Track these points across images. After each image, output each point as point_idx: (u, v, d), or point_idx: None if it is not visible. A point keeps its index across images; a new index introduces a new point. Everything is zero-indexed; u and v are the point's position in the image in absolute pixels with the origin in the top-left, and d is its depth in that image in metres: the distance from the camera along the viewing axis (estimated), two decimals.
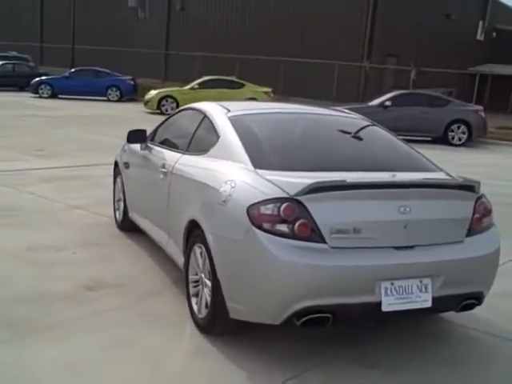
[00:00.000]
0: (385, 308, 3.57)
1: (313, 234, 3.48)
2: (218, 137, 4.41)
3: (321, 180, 3.50)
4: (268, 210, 3.50)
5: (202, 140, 4.68)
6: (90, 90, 26.87)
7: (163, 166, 4.98)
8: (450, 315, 4.44)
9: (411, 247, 3.67)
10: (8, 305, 4.38)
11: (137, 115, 21.14)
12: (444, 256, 3.73)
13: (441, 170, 4.37)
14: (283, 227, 3.48)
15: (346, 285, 3.50)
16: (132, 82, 28.17)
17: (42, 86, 26.72)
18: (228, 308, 3.75)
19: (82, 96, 26.43)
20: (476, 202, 3.93)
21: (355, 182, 3.57)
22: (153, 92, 23.41)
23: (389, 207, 3.61)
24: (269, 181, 3.66)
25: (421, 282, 3.68)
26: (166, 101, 22.66)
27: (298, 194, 3.49)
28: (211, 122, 4.64)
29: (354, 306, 3.55)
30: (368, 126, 4.80)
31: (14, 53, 34.28)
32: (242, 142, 4.15)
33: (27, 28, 42.05)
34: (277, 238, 3.47)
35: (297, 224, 3.46)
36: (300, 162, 3.98)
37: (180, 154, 4.85)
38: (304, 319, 3.51)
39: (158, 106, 22.55)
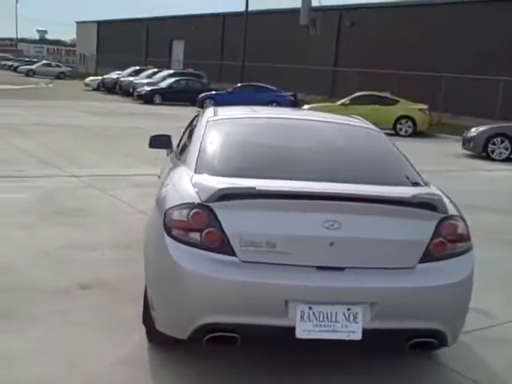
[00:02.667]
0: (300, 335, 3.18)
1: (222, 244, 3.21)
2: (190, 142, 4.26)
3: (228, 186, 3.22)
4: (179, 215, 3.30)
5: (185, 146, 4.55)
6: (250, 105, 27.61)
7: (160, 174, 4.94)
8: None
9: (340, 269, 3.22)
10: None
11: None
12: (382, 282, 3.23)
13: (426, 185, 3.80)
14: (192, 235, 3.25)
15: (255, 304, 3.17)
16: (292, 98, 28.56)
17: (207, 101, 28.06)
18: (152, 317, 3.57)
19: None
20: (439, 223, 3.35)
21: (268, 191, 3.23)
22: (303, 107, 23.46)
23: (311, 221, 3.21)
24: (193, 185, 3.44)
25: (349, 309, 3.22)
26: None
27: (208, 201, 3.24)
28: (195, 127, 4.50)
29: (263, 328, 3.20)
30: (365, 135, 4.34)
31: (190, 70, 36.56)
32: (201, 147, 3.96)
33: (211, 47, 44.70)
34: (184, 246, 3.26)
35: (204, 232, 3.21)
36: (249, 169, 3.69)
37: (172, 162, 4.72)
38: (209, 336, 3.24)
39: None
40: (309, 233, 3.22)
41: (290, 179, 3.49)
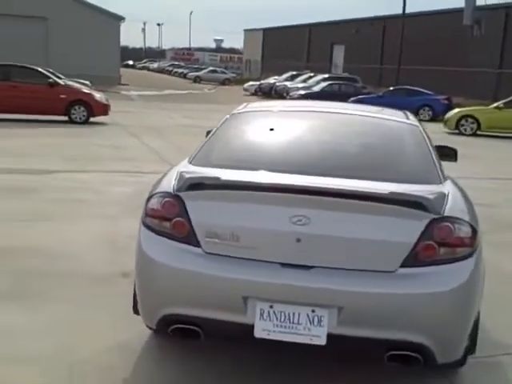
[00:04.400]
0: (258, 334, 3.01)
1: (189, 235, 3.14)
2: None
3: (195, 176, 3.13)
4: (153, 204, 3.29)
5: None
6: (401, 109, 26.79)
7: None
8: None
9: (306, 267, 2.99)
10: (42, 276, 4.87)
11: (433, 135, 20.35)
12: (352, 286, 2.95)
13: (441, 184, 3.42)
14: (163, 224, 3.21)
15: (214, 298, 3.05)
16: (446, 102, 27.24)
17: None
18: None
19: None
20: (430, 224, 2.99)
21: (233, 181, 3.09)
22: (453, 111, 22.28)
23: (277, 215, 3.02)
24: (176, 175, 3.40)
25: (313, 311, 2.98)
26: (466, 120, 21.26)
27: (179, 190, 3.18)
28: None
29: (223, 323, 3.07)
30: (395, 130, 4.01)
31: (345, 74, 36.31)
32: (209, 139, 3.91)
33: (371, 51, 44.15)
34: (154, 235, 3.24)
35: (173, 222, 3.16)
36: (241, 160, 3.57)
37: None
38: (172, 327, 3.18)
39: (457, 126, 21.34)
40: (274, 227, 3.03)
41: (279, 172, 3.31)
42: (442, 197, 3.18)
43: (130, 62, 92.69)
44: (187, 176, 3.18)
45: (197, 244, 3.11)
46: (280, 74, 43.08)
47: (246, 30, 75.25)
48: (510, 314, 4.58)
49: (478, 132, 20.83)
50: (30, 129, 15.25)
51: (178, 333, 3.20)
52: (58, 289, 4.63)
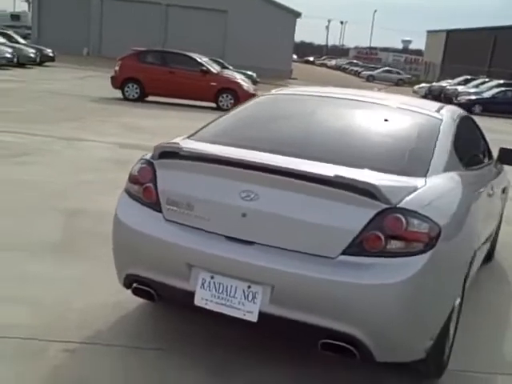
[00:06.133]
0: (197, 302, 3.08)
1: (155, 201, 3.29)
2: None
3: (164, 145, 3.27)
4: (133, 169, 3.47)
5: None
6: None
7: None
8: None
9: (249, 243, 3.01)
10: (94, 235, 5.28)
11: None
12: (286, 266, 2.90)
13: (425, 176, 3.23)
14: (136, 189, 3.39)
15: (164, 263, 3.18)
16: None
17: None
18: None
19: None
20: (379, 214, 2.86)
21: (192, 152, 3.18)
22: None
23: (228, 189, 3.07)
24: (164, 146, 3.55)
25: (249, 287, 2.99)
26: None
27: (153, 158, 3.35)
28: None
29: (171, 288, 3.18)
30: (404, 119, 3.89)
31: None
32: (221, 117, 4.05)
33: None
34: (129, 198, 3.42)
35: (143, 187, 3.33)
36: (235, 138, 3.63)
37: None
38: (133, 287, 3.36)
39: None
40: (223, 200, 3.07)
41: (253, 150, 3.34)
42: (406, 188, 3.00)
43: (311, 59, 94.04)
44: (160, 145, 3.32)
45: (159, 210, 3.25)
46: (459, 77, 41.24)
47: (428, 32, 72.90)
48: None
49: None
50: (174, 111, 16.20)
51: (137, 292, 3.37)
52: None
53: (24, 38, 40.79)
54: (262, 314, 2.95)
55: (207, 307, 3.06)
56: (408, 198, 2.95)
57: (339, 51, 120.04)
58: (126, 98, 17.42)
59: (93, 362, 3.29)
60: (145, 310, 3.96)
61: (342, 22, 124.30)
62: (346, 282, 2.83)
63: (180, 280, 3.13)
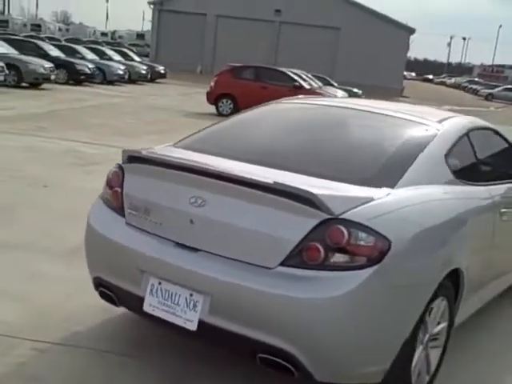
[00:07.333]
0: (146, 307, 3.07)
1: (120, 205, 3.33)
2: None
3: (131, 150, 3.30)
4: (108, 174, 3.52)
5: None
6: None
7: None
8: None
9: (194, 250, 2.95)
10: None
11: None
12: (224, 275, 2.82)
13: (392, 187, 3.03)
14: (107, 192, 3.45)
15: (121, 267, 3.20)
16: None
17: None
18: None
19: None
20: (320, 224, 2.71)
21: (149, 156, 3.18)
22: None
23: (180, 194, 3.04)
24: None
25: (191, 295, 2.93)
26: None
27: (123, 162, 3.39)
28: None
29: (127, 293, 3.19)
30: (396, 130, 3.66)
31: None
32: (213, 126, 4.07)
33: None
34: (101, 202, 3.48)
35: (112, 191, 3.38)
36: (214, 146, 3.60)
37: None
38: (99, 291, 3.40)
39: None
40: (174, 206, 3.04)
41: (225, 157, 3.30)
42: (356, 199, 2.81)
43: (430, 77, 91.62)
44: (127, 150, 3.35)
45: (123, 215, 3.27)
46: None
47: None
48: None
49: None
50: None
51: (103, 296, 3.40)
52: None
53: (145, 55, 43.04)
54: (201, 324, 2.88)
55: (154, 314, 3.04)
56: (356, 210, 2.77)
57: (462, 69, 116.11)
58: (219, 114, 17.76)
59: (53, 362, 3.34)
60: (132, 316, 3.97)
61: (464, 38, 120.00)
62: (281, 295, 2.70)
63: (134, 285, 3.12)
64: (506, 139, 4.53)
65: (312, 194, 2.69)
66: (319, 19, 41.65)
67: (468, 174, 3.72)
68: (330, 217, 2.71)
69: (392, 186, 3.06)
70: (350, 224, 2.71)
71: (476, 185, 3.73)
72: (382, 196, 2.93)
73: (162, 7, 45.25)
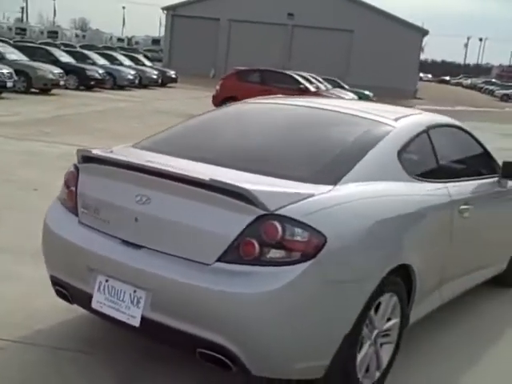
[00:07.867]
0: (94, 304, 3.12)
1: (75, 205, 3.38)
2: None
3: (85, 150, 3.35)
4: (65, 175, 3.57)
5: None
6: None
7: None
8: None
9: (138, 247, 3.00)
10: None
11: None
12: (163, 271, 2.87)
13: (334, 184, 3.05)
14: (64, 191, 3.51)
15: (71, 265, 3.27)
16: None
17: None
18: None
19: None
20: (256, 220, 2.75)
21: (99, 155, 3.23)
22: None
23: (126, 193, 3.08)
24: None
25: (135, 291, 2.98)
26: None
27: (78, 162, 3.45)
28: None
29: (78, 290, 3.25)
30: (346, 127, 3.73)
31: None
32: (174, 127, 4.09)
33: None
34: (58, 203, 3.54)
35: (67, 191, 3.44)
36: (169, 146, 3.63)
37: None
38: (55, 289, 3.47)
39: None
40: (121, 204, 3.09)
41: (178, 157, 3.35)
42: (293, 195, 2.83)
43: (447, 78, 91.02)
44: (80, 150, 3.40)
45: (77, 214, 3.33)
46: None
47: None
48: None
49: None
50: None
51: (58, 294, 3.46)
52: None
53: (159, 60, 43.32)
54: (144, 320, 2.93)
55: (102, 310, 3.08)
56: (293, 206, 2.79)
57: (480, 70, 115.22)
58: None
59: (6, 360, 3.39)
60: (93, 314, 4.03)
61: (480, 39, 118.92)
62: (218, 291, 2.73)
63: (84, 283, 3.18)
64: (474, 137, 4.52)
65: (246, 190, 2.72)
66: (332, 22, 41.63)
67: (424, 171, 3.73)
68: (265, 213, 2.74)
69: (336, 182, 3.07)
70: (284, 220, 2.73)
71: (432, 182, 3.73)
72: (323, 192, 2.95)
73: (176, 12, 45.59)
